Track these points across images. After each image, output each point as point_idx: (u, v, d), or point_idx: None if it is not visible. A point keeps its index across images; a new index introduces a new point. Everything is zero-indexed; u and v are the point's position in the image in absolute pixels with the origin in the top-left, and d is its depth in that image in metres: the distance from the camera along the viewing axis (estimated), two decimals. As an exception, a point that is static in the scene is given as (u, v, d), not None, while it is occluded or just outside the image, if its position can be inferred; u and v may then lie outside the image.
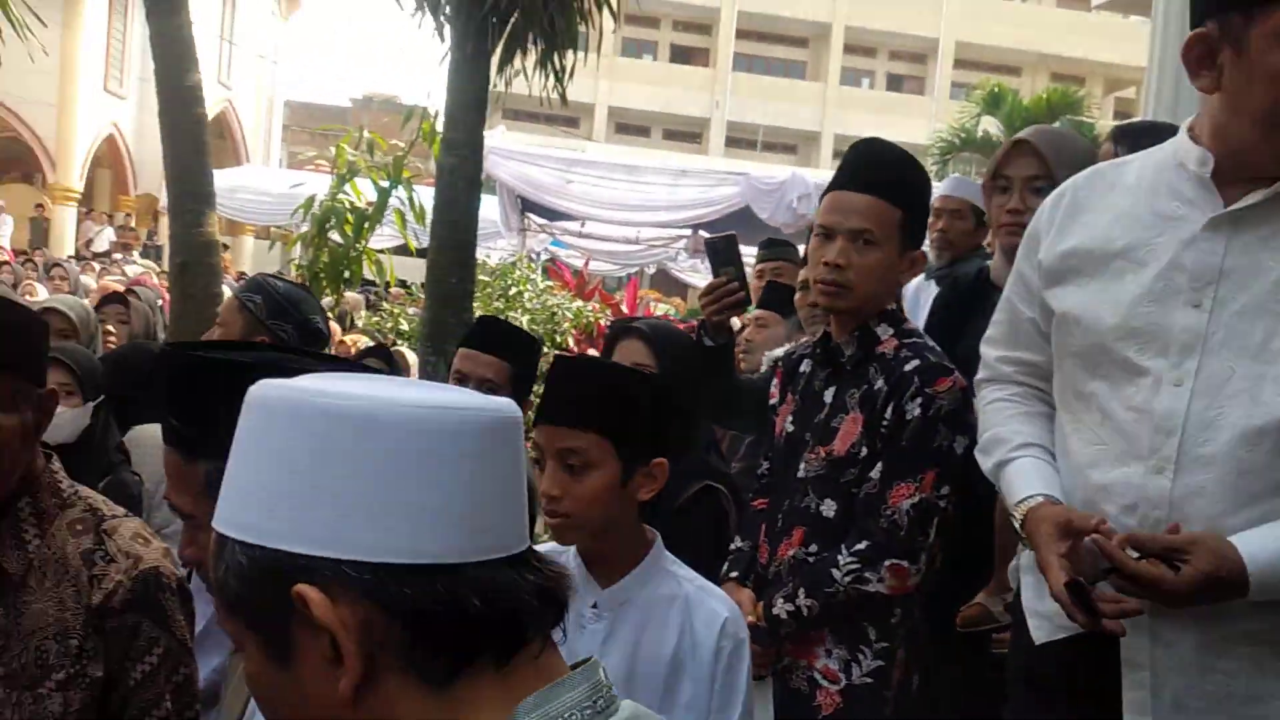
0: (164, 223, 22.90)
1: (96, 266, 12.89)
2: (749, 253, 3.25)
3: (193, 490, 1.13)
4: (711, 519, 2.13)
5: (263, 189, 12.73)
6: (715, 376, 2.29)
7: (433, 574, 0.66)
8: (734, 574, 2.10)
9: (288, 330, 2.34)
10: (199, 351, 1.21)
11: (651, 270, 14.51)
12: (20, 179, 20.41)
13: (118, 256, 16.97)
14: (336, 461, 0.66)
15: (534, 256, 6.87)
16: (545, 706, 0.68)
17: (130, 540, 1.53)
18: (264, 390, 0.72)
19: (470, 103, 3.50)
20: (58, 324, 3.11)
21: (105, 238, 19.75)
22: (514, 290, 6.09)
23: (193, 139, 3.70)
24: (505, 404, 0.73)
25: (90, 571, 1.48)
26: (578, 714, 0.69)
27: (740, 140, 32.24)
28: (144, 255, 19.12)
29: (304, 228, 5.65)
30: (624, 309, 7.21)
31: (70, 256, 15.97)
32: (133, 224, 22.38)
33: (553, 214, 11.13)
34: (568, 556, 1.59)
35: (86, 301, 3.45)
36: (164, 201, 19.55)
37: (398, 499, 0.66)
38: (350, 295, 6.04)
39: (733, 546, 2.16)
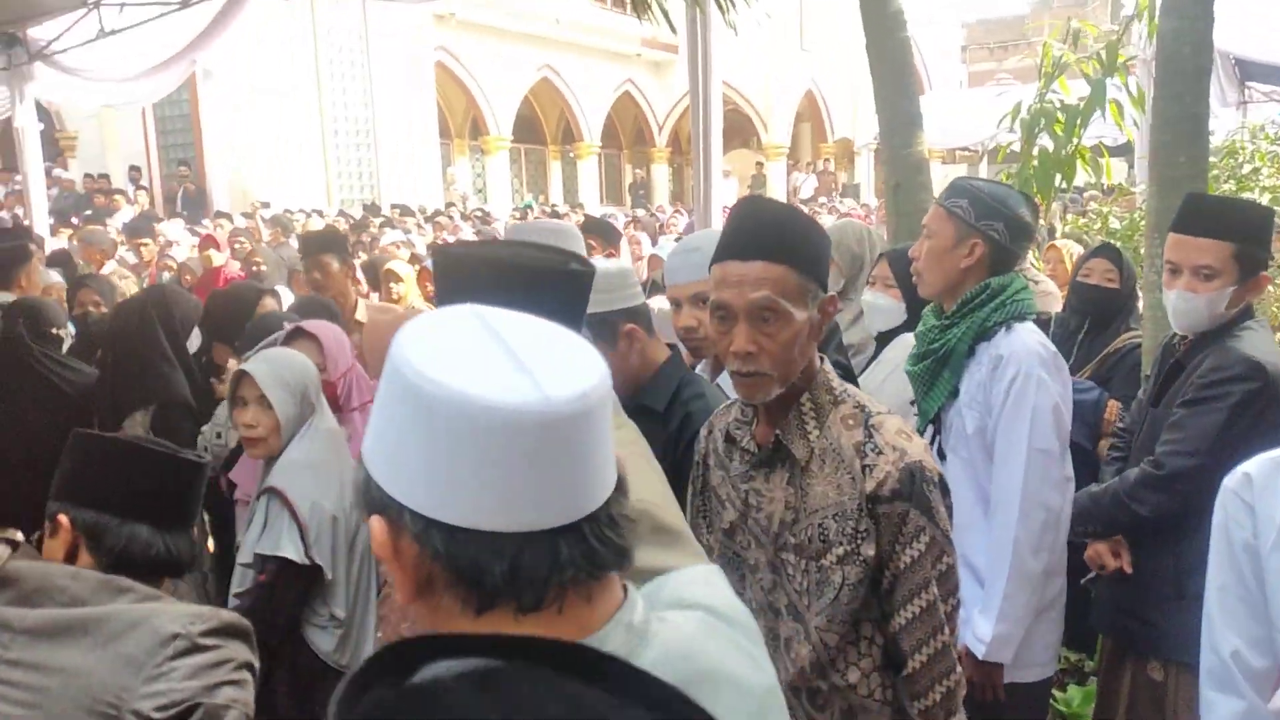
0: (859, 162, 24.51)
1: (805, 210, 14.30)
2: None
3: None
4: None
5: (949, 112, 12.76)
6: None
7: (469, 536, 0.77)
8: None
9: (998, 229, 2.28)
10: None
11: None
12: (741, 144, 23.53)
13: (823, 199, 18.63)
14: (415, 430, 0.77)
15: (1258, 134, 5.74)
16: None
17: (895, 435, 1.64)
18: (397, 343, 0.80)
19: (1195, -47, 3.03)
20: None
21: (809, 185, 21.80)
22: (1247, 169, 5.21)
23: (898, 63, 3.84)
24: (561, 398, 0.77)
25: (862, 461, 1.62)
26: None
27: None
28: (843, 195, 20.69)
29: (991, 143, 5.50)
30: None
31: (785, 206, 17.94)
32: (831, 168, 24.33)
33: (1289, 76, 9.23)
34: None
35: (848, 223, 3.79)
36: (859, 142, 20.89)
37: (453, 473, 0.77)
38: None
39: None
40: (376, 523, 0.81)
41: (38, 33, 9.08)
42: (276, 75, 14.19)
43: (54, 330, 3.50)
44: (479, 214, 14.50)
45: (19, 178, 10.53)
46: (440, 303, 1.32)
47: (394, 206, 13.81)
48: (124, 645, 1.42)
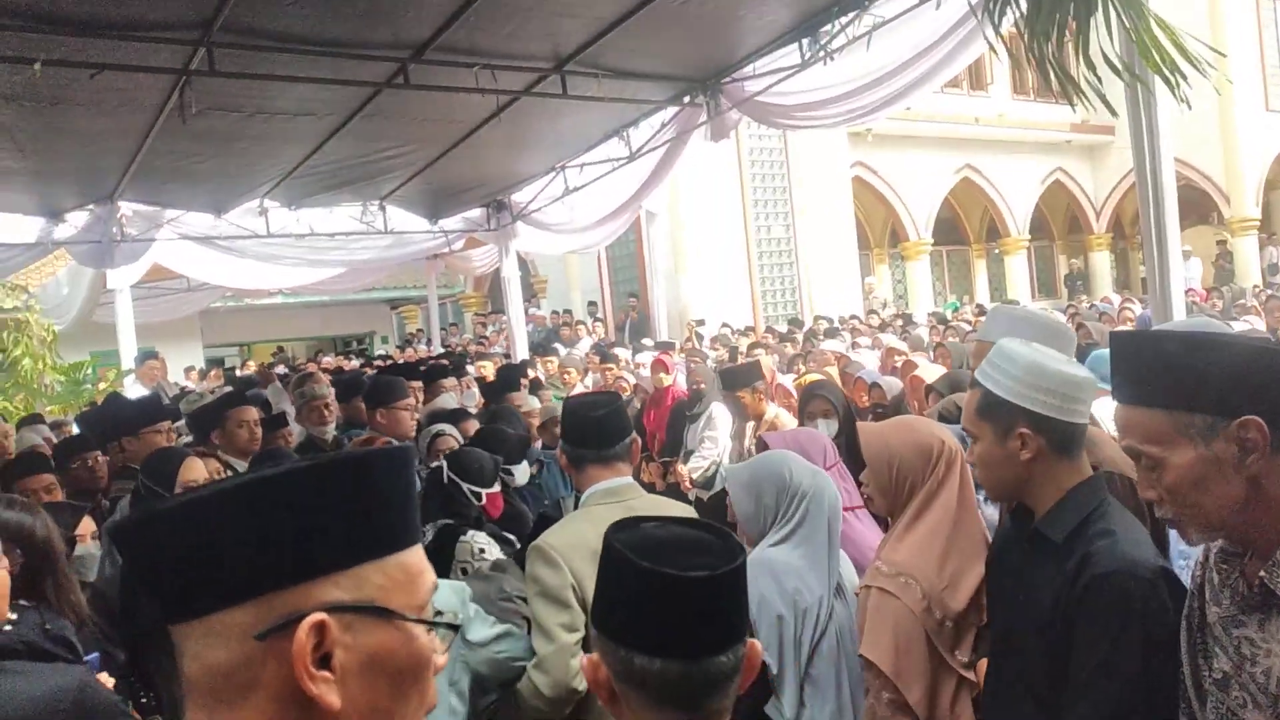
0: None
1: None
2: None
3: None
4: None
5: None
6: None
7: None
8: None
9: None
10: None
11: None
12: (1197, 221, 21.06)
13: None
14: None
15: None
16: None
17: None
18: None
19: None
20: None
21: (1296, 259, 18.81)
22: None
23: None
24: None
25: None
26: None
27: None
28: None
29: None
30: None
31: (1256, 285, 15.68)
32: (1318, 238, 20.85)
33: None
34: None
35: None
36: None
37: None
38: None
39: None
40: None
41: (518, 197, 10.79)
42: (708, 207, 15.41)
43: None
44: (900, 319, 14.37)
45: (505, 318, 12.44)
46: None
47: (817, 318, 14.17)
48: None
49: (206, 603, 0.81)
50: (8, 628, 2.17)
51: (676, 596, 1.15)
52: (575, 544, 2.41)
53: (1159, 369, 1.45)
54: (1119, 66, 4.13)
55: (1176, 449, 1.42)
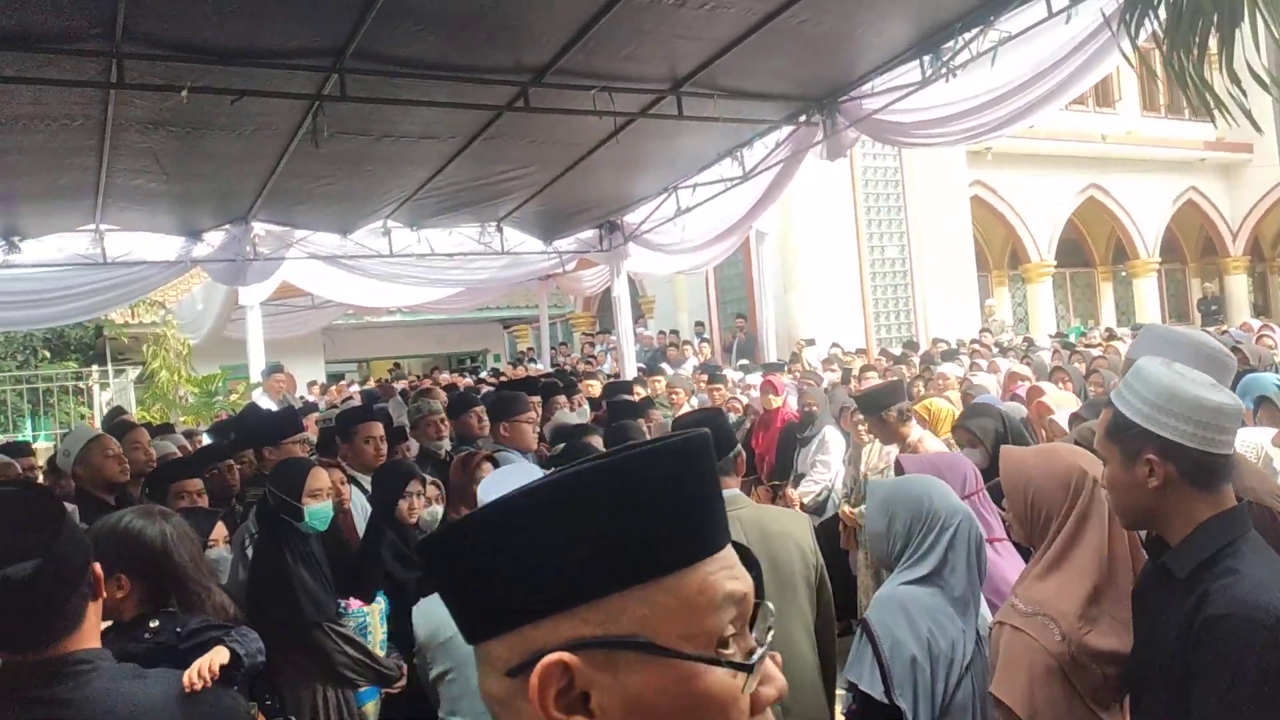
0: None
1: None
2: None
3: None
4: None
5: None
6: None
7: None
8: None
9: None
10: None
11: None
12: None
13: None
14: None
15: None
16: None
17: None
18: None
19: None
20: None
21: None
22: None
23: None
24: None
25: None
26: None
27: None
28: None
29: None
30: None
31: None
32: None
33: None
34: None
35: None
36: None
37: None
38: None
39: None
40: None
41: (631, 218, 10.87)
42: (819, 227, 15.24)
43: None
44: (1025, 343, 13.87)
45: (614, 337, 12.53)
46: None
47: (935, 341, 13.81)
48: None
49: (478, 631, 0.79)
50: (146, 636, 2.23)
51: None
52: None
53: None
54: (1266, 80, 3.91)
55: None
